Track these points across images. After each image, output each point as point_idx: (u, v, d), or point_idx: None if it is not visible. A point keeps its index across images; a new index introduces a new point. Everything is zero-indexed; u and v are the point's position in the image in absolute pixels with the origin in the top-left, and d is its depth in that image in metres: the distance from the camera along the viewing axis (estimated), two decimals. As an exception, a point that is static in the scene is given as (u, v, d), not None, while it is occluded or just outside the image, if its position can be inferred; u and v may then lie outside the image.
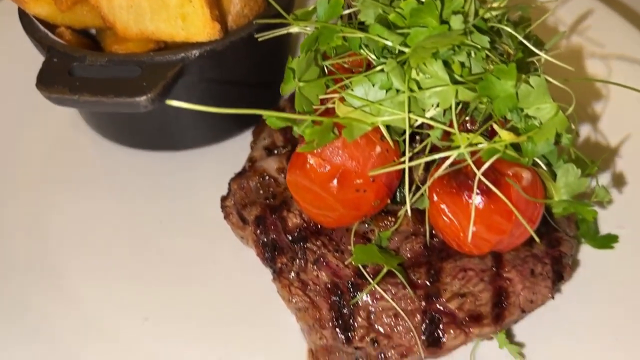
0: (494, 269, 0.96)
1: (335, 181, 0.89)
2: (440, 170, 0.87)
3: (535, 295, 0.96)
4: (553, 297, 0.97)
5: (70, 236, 1.16)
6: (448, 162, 0.86)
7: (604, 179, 1.18)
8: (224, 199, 1.12)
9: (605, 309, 1.02)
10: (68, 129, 1.35)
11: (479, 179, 0.84)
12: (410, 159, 0.90)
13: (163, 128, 1.26)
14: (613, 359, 0.95)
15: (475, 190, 0.84)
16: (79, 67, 1.09)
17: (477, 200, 0.85)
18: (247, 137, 1.27)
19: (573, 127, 0.95)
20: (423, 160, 0.88)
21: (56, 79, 1.07)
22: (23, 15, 1.19)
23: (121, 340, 1.02)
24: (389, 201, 0.97)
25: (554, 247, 1.00)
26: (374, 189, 0.91)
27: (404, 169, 0.90)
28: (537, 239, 0.89)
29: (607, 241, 1.10)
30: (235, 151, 1.24)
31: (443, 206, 0.89)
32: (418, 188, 0.94)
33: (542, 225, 1.02)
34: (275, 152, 1.13)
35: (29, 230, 1.16)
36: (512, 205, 0.84)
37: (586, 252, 1.10)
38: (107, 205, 1.22)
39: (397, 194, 0.99)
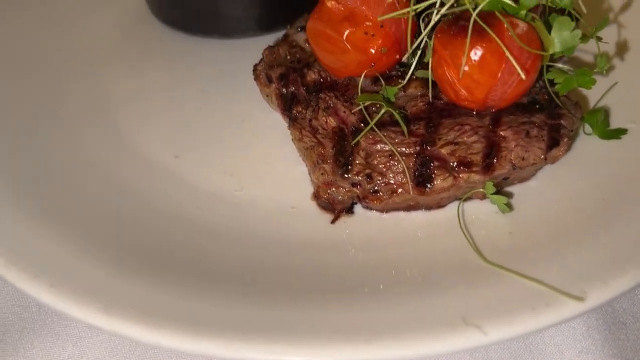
0: (490, 127, 1.03)
1: (346, 24, 1.00)
2: (443, 10, 0.95)
3: (527, 154, 1.01)
4: (546, 159, 1.02)
5: (125, 95, 1.33)
6: (450, 2, 0.94)
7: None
8: (256, 65, 1.25)
9: (599, 182, 1.04)
10: (134, 16, 1.53)
11: (474, 20, 0.91)
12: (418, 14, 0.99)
13: (218, 13, 1.41)
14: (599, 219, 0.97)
15: (470, 28, 0.92)
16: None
17: (471, 38, 0.93)
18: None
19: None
20: (425, 4, 0.97)
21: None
22: None
23: (156, 172, 1.15)
24: (398, 57, 1.06)
25: (555, 119, 1.05)
26: (382, 34, 1.01)
27: (415, 35, 0.99)
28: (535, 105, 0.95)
29: (615, 133, 1.12)
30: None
31: (443, 51, 0.97)
32: (426, 45, 1.03)
33: (545, 101, 1.08)
34: (307, 30, 1.24)
35: (93, 91, 1.34)
36: (505, 47, 0.91)
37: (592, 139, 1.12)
38: (159, 76, 1.38)
39: (407, 60, 1.08)
